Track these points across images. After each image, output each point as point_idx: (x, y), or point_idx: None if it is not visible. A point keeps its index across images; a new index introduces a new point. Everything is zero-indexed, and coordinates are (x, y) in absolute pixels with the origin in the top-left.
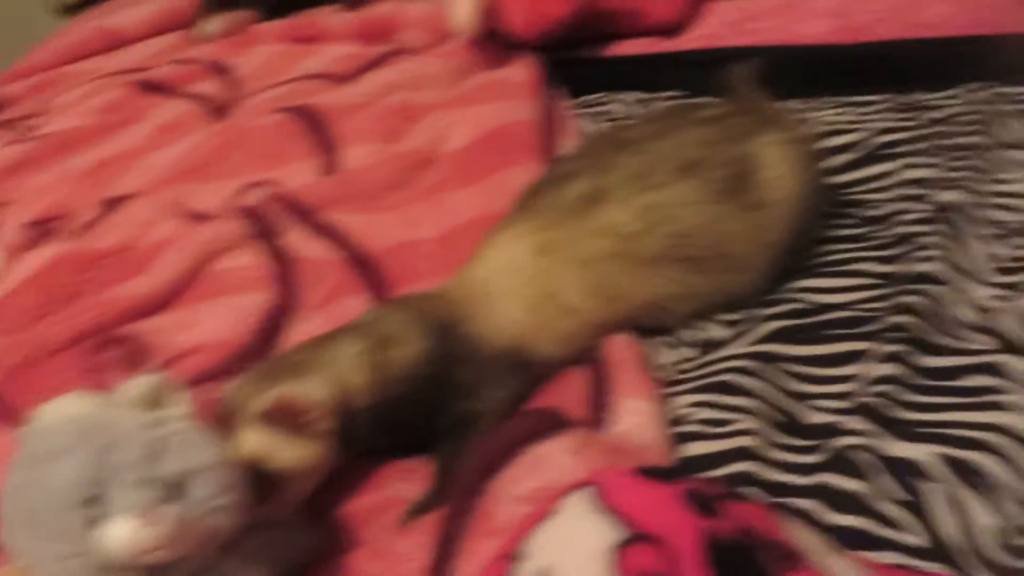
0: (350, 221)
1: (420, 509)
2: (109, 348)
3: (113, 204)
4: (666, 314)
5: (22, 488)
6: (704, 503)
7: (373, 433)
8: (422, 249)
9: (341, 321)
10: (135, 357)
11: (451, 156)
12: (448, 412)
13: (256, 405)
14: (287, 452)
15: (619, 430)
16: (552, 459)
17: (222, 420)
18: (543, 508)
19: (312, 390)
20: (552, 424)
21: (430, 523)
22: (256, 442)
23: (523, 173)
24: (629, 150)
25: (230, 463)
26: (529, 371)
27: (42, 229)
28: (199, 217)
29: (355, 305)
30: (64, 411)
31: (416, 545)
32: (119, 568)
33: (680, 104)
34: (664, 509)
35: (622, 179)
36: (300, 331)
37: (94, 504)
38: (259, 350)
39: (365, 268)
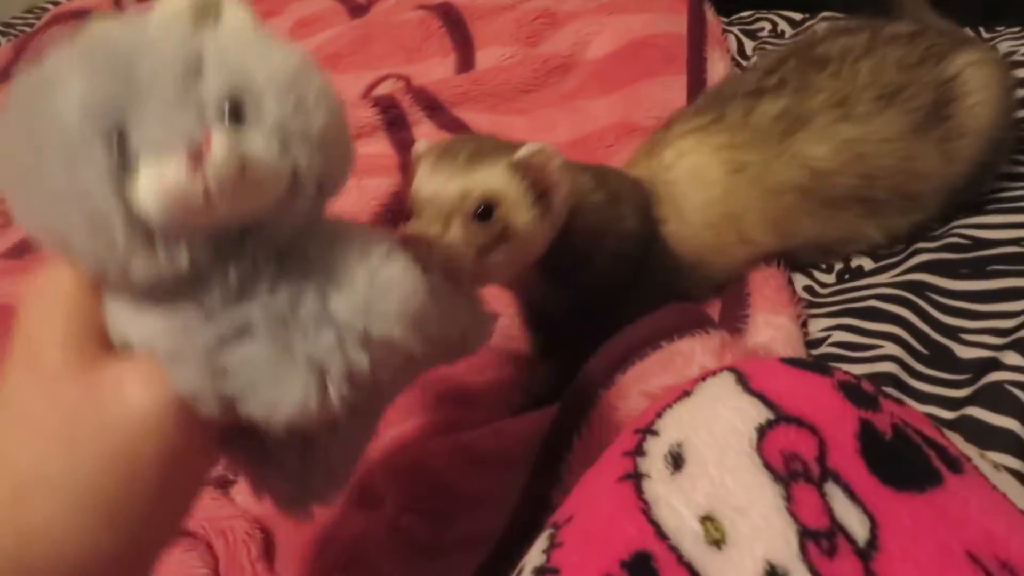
0: (479, 120)
1: (537, 397)
2: None
3: None
4: (829, 254)
5: (11, 143)
6: (861, 396)
7: (577, 253)
8: None
9: None
10: None
11: (591, 64)
12: (621, 309)
13: (513, 151)
14: (526, 209)
15: (757, 341)
16: (689, 357)
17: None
18: (678, 389)
19: (569, 171)
20: (693, 322)
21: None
22: (502, 181)
23: (666, 87)
24: (827, 70)
25: (310, 74)
26: (704, 290)
27: None
28: None
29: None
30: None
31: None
32: (175, 232)
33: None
34: (817, 395)
35: (823, 105)
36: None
37: (122, 144)
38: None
39: None
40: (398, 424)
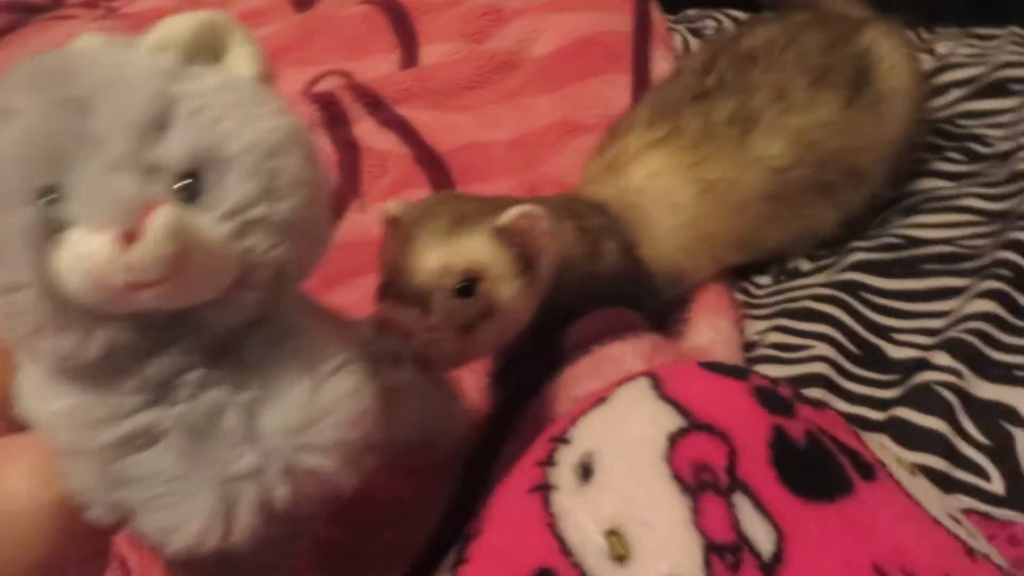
0: (422, 117)
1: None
2: None
3: None
4: (790, 253)
5: None
6: (776, 401)
7: (565, 307)
8: (493, 151)
9: None
10: None
11: (536, 61)
12: None
13: (496, 216)
14: (511, 280)
15: (697, 343)
16: (620, 361)
17: (400, 233)
18: (594, 396)
19: (556, 231)
20: (625, 326)
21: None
22: (484, 252)
23: (610, 84)
24: (759, 64)
25: (292, 150)
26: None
27: None
28: None
29: (417, 198)
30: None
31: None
32: (93, 313)
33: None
34: (730, 400)
35: (765, 101)
36: (356, 222)
37: (52, 200)
38: None
39: (431, 164)
40: None
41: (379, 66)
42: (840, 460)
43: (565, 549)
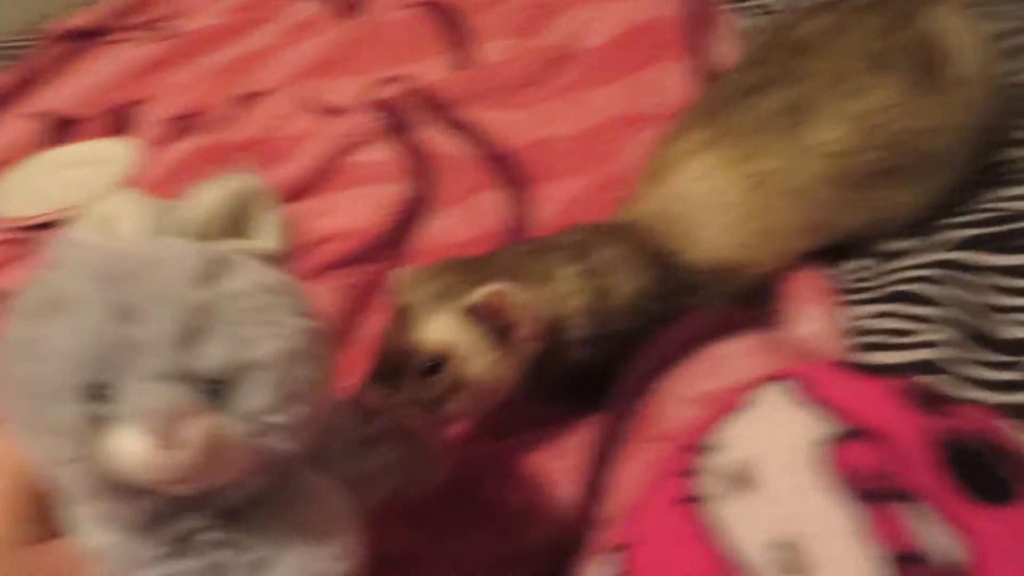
0: (485, 117)
1: None
2: None
3: (249, 100)
4: (867, 237)
5: (11, 352)
6: (926, 401)
7: (575, 367)
8: (558, 147)
9: (480, 218)
10: None
11: (590, 53)
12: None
13: (467, 295)
14: (481, 356)
15: (800, 335)
16: (731, 360)
17: (395, 306)
18: (730, 401)
19: (531, 300)
20: (737, 323)
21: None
22: (452, 332)
23: (668, 72)
24: (812, 54)
25: (312, 355)
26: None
27: (181, 125)
28: (333, 111)
29: (493, 201)
30: (100, 220)
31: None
32: (131, 487)
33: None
34: (882, 403)
35: (820, 88)
36: (437, 227)
37: (100, 396)
38: (396, 239)
39: (502, 165)
40: None
41: (433, 69)
42: (1002, 462)
43: (731, 561)
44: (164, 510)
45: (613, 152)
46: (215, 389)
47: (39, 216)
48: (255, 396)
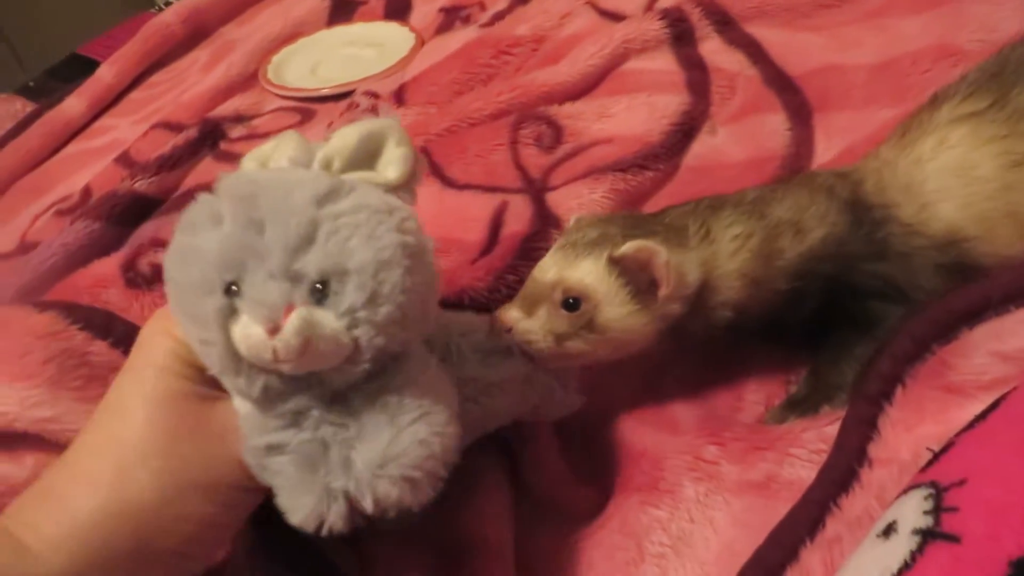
0: (772, 36)
1: (794, 409)
2: (527, 125)
3: None
4: None
5: (173, 257)
6: None
7: (719, 328)
8: (852, 76)
9: (756, 139)
10: (550, 137)
11: None
12: (846, 310)
13: (618, 245)
14: (618, 309)
15: None
16: None
17: (557, 244)
18: None
19: (682, 264)
20: None
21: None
22: (594, 277)
23: (997, 5)
24: None
25: (404, 265)
26: (956, 276)
27: (456, 15)
28: (612, 15)
29: (771, 124)
30: (260, 155)
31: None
32: (255, 366)
33: None
34: None
35: None
36: (710, 144)
37: (232, 292)
38: (669, 151)
39: (784, 88)
40: None
41: None
42: None
43: None
44: (280, 389)
45: (918, 86)
46: (320, 290)
47: (318, 89)
48: (349, 296)
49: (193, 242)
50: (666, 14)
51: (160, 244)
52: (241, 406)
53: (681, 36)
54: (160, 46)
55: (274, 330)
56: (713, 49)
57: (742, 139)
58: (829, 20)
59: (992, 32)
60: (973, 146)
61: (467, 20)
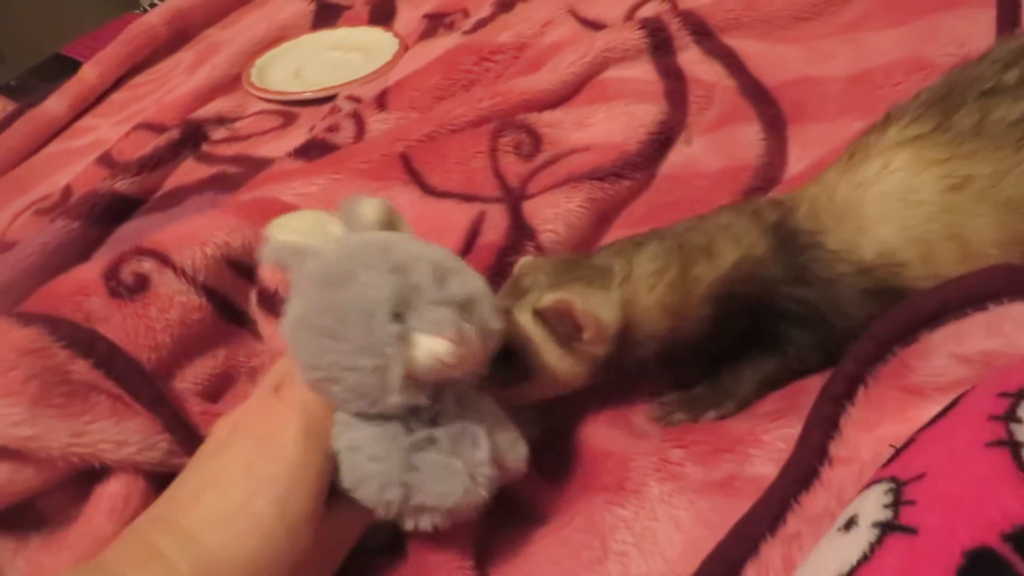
0: (749, 48)
1: (682, 406)
2: (506, 133)
3: (508, 5)
4: None
5: (324, 302)
6: None
7: (648, 360)
8: (826, 88)
9: (731, 149)
10: (529, 145)
11: None
12: (763, 332)
13: (538, 298)
14: (548, 356)
15: None
16: (1020, 322)
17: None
18: None
19: (600, 308)
20: (1021, 284)
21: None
22: (524, 329)
23: (970, 20)
24: None
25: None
26: (892, 302)
27: (440, 21)
28: (593, 24)
29: (746, 134)
30: (313, 227)
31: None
32: (414, 384)
33: None
34: None
35: None
36: (687, 153)
37: (400, 320)
38: (647, 160)
39: (759, 98)
40: None
41: None
42: None
43: None
44: (427, 397)
45: (890, 98)
46: (464, 308)
47: (300, 92)
48: (483, 310)
49: (351, 286)
50: (646, 24)
51: (143, 253)
52: (361, 435)
53: (660, 46)
54: (144, 47)
55: (460, 341)
56: (691, 59)
57: (717, 149)
58: (805, 32)
59: (962, 47)
60: (915, 171)
61: (451, 27)
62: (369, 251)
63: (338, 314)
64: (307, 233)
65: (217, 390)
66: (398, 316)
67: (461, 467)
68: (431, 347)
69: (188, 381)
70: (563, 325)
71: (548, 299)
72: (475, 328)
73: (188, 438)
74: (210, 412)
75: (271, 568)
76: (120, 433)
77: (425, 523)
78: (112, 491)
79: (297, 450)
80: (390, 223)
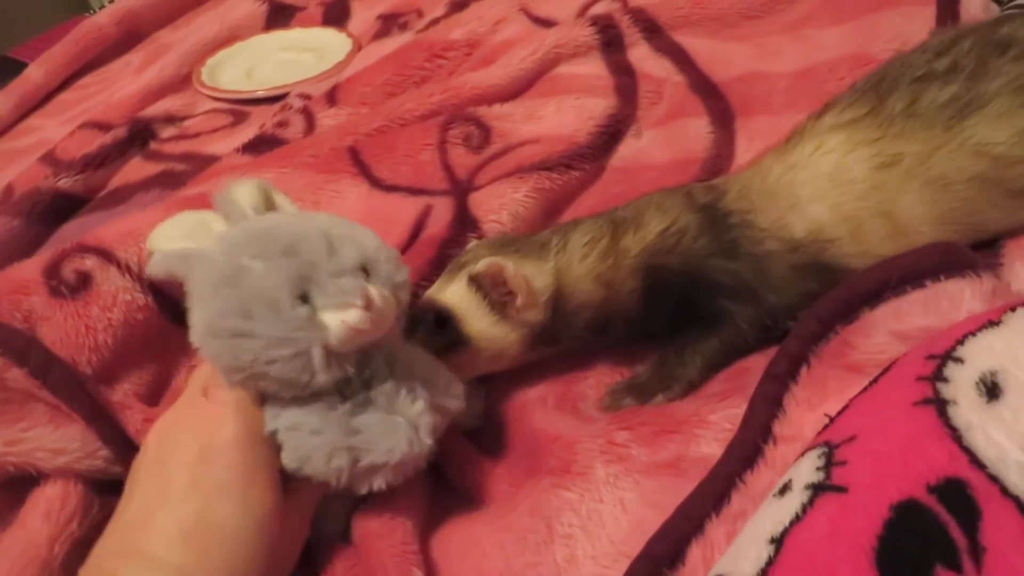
0: (699, 45)
1: (630, 393)
2: (456, 126)
3: (461, 4)
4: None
5: (224, 305)
6: None
7: (584, 331)
8: (773, 83)
9: (680, 143)
10: (478, 138)
11: None
12: (697, 307)
13: (472, 264)
14: (480, 322)
15: (1019, 288)
16: (957, 300)
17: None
18: (979, 318)
19: (532, 274)
20: (961, 263)
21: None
22: (456, 296)
23: (910, 18)
24: (1009, 53)
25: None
26: (823, 277)
27: (394, 22)
28: (545, 21)
29: (695, 128)
30: (193, 226)
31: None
32: (337, 358)
33: None
34: None
35: (1002, 89)
36: (636, 146)
37: (304, 301)
38: (595, 152)
39: (708, 94)
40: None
41: None
42: None
43: (977, 462)
44: (355, 364)
45: (835, 92)
46: (364, 272)
47: (251, 91)
48: (382, 269)
49: (246, 289)
50: (596, 21)
51: (85, 250)
52: (297, 415)
53: (611, 42)
54: (92, 47)
55: (368, 306)
56: (641, 56)
57: (666, 142)
58: (753, 30)
59: (905, 43)
60: (847, 151)
61: (404, 27)
62: (254, 240)
63: (242, 312)
64: (189, 237)
65: (159, 391)
66: (302, 298)
67: (402, 421)
68: (343, 319)
69: (131, 382)
70: (496, 291)
71: (481, 264)
72: (381, 286)
73: (127, 449)
74: (152, 419)
75: (249, 568)
76: (58, 441)
77: (379, 482)
78: (49, 494)
79: (239, 449)
80: (268, 202)
